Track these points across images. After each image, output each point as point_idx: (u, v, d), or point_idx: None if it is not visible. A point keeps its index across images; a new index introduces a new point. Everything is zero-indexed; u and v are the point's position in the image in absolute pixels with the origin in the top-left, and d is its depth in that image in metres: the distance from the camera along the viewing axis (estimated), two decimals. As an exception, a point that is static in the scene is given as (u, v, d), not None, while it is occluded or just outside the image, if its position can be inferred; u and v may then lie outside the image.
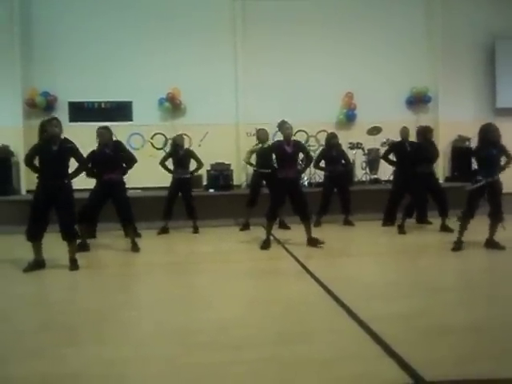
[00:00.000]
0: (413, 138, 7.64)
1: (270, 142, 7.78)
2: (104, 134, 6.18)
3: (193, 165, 7.71)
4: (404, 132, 7.64)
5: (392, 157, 7.87)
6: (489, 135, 5.60)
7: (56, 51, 10.25)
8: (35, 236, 4.99)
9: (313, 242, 6.06)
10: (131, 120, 10.50)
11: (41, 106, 10.07)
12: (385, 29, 10.87)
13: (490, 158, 5.57)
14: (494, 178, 5.59)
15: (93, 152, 6.24)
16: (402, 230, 7.01)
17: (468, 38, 11.16)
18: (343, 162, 8.18)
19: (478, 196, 5.65)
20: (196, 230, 7.60)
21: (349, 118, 10.82)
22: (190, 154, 7.73)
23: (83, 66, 10.25)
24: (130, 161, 6.36)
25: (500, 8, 11.07)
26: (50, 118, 5.22)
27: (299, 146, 6.27)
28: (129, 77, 10.30)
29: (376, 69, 10.78)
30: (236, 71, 10.66)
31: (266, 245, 6.06)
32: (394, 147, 7.87)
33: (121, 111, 10.44)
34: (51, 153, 4.99)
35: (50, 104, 10.17)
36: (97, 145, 6.27)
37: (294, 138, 6.41)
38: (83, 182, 6.19)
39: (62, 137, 5.14)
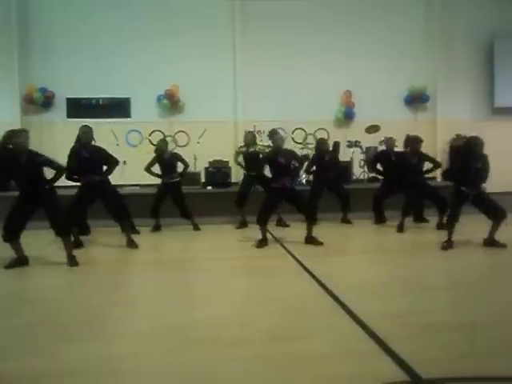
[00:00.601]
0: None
1: (258, 145, 7.81)
2: (86, 133, 6.02)
3: (180, 167, 7.68)
4: (388, 143, 7.88)
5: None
6: (476, 149, 5.59)
7: (54, 47, 10.21)
8: (11, 238, 4.97)
9: (311, 241, 6.06)
10: (129, 117, 10.47)
11: (38, 102, 10.03)
12: (383, 27, 10.86)
13: (475, 172, 5.62)
14: (479, 191, 5.70)
15: (73, 149, 6.06)
16: (400, 229, 7.02)
17: (467, 37, 11.16)
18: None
19: (462, 203, 5.73)
20: (197, 228, 7.60)
21: (347, 116, 10.81)
22: (176, 157, 7.67)
23: (81, 63, 10.21)
24: (112, 164, 6.18)
25: (499, 7, 11.07)
26: (16, 130, 5.10)
27: (291, 155, 6.26)
28: (127, 73, 10.27)
29: (374, 67, 10.77)
30: (235, 68, 10.64)
31: (261, 244, 6.04)
32: (378, 157, 8.04)
33: (119, 108, 10.41)
34: (19, 165, 4.89)
35: (47, 100, 10.14)
36: (76, 142, 6.09)
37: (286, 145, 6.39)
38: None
39: (29, 148, 5.02)
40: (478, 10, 11.03)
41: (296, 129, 10.62)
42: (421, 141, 7.28)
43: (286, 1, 10.59)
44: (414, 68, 10.94)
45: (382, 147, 8.15)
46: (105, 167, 6.18)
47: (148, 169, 7.51)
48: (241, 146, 8.10)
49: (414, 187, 7.17)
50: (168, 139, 10.29)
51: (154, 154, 7.59)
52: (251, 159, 7.58)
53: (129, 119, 10.43)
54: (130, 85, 10.28)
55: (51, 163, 5.13)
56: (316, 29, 10.66)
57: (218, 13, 10.56)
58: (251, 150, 7.69)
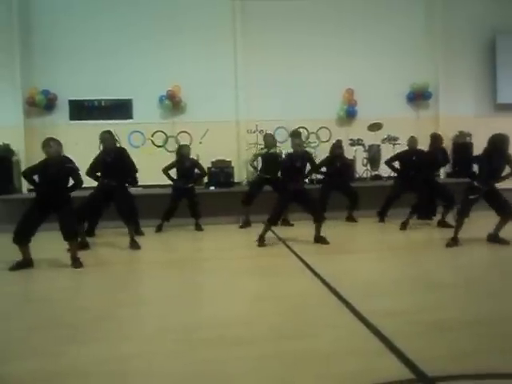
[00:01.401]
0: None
1: (277, 148, 7.85)
2: (107, 139, 6.20)
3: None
4: (411, 142, 7.67)
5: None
6: (498, 145, 5.56)
7: (56, 49, 10.22)
8: (21, 241, 5.01)
9: (319, 240, 6.08)
10: (131, 118, 10.49)
11: (41, 105, 10.06)
12: (385, 25, 10.83)
13: (497, 169, 5.61)
14: (491, 186, 5.67)
15: (96, 159, 6.26)
16: (404, 227, 7.02)
17: (468, 34, 11.11)
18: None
19: (475, 201, 5.71)
20: (199, 228, 7.64)
21: (349, 114, 10.79)
22: (196, 165, 7.80)
23: (83, 64, 10.23)
24: (130, 171, 6.45)
25: (500, 3, 11.02)
26: (47, 139, 5.23)
27: (307, 158, 6.38)
28: (129, 75, 10.28)
29: (376, 65, 10.74)
30: (236, 68, 10.64)
31: (260, 241, 6.05)
32: (399, 156, 7.85)
33: (121, 109, 10.42)
34: (50, 175, 5.05)
35: (50, 102, 10.16)
36: (100, 149, 6.29)
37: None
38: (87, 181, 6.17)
39: (62, 155, 5.21)
40: (479, 7, 10.98)
41: (298, 127, 10.60)
42: (442, 138, 7.51)
43: (287, 3, 10.57)
44: (416, 65, 10.90)
45: (388, 153, 8.12)
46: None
47: (166, 171, 7.59)
48: (261, 148, 8.15)
49: (426, 183, 7.14)
50: (171, 139, 10.39)
51: (176, 157, 7.69)
52: (270, 161, 7.61)
53: (131, 120, 10.45)
54: (131, 86, 10.29)
55: (76, 175, 5.25)
56: (317, 27, 10.64)
57: (218, 13, 10.55)
58: (272, 151, 7.75)
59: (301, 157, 6.22)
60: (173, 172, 7.74)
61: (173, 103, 10.33)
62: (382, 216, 7.87)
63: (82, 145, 6.36)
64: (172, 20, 10.39)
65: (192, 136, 10.29)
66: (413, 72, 10.83)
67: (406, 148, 7.75)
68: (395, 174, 8.02)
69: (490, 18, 10.98)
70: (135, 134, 10.35)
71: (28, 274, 4.97)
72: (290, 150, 6.49)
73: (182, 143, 8.84)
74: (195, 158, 8.49)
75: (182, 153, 7.72)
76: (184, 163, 7.61)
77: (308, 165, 6.39)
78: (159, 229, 7.57)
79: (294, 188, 6.10)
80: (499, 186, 5.82)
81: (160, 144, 10.43)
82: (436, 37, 11.00)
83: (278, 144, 8.44)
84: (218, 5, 10.55)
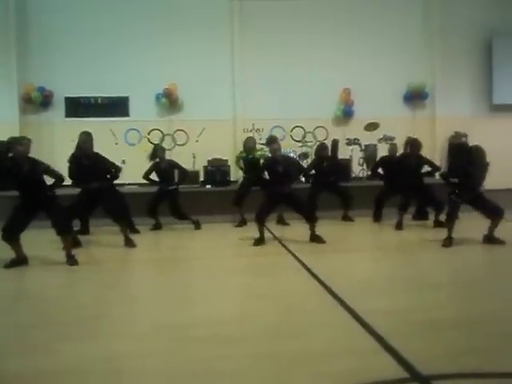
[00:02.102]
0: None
1: (258, 151, 7.84)
2: (86, 142, 6.05)
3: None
4: (392, 149, 8.06)
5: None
6: (478, 157, 5.62)
7: (52, 46, 10.17)
8: (11, 237, 4.97)
9: (315, 239, 6.07)
10: (128, 115, 10.44)
11: (37, 102, 10.01)
12: (382, 25, 10.84)
13: (475, 178, 5.67)
14: (476, 193, 5.72)
15: (73, 156, 6.16)
16: (399, 227, 7.04)
17: (465, 34, 11.13)
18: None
19: (460, 205, 5.78)
20: (198, 226, 7.60)
21: (346, 113, 10.80)
22: (173, 165, 7.67)
23: (80, 61, 10.18)
24: (116, 171, 6.24)
25: (497, 4, 11.04)
26: (18, 137, 5.17)
27: (290, 163, 6.34)
28: (125, 72, 10.23)
29: (373, 65, 10.75)
30: (233, 67, 10.62)
31: (258, 242, 6.04)
32: (381, 162, 8.20)
33: (117, 107, 10.38)
34: (22, 173, 4.95)
35: (46, 99, 10.11)
36: (76, 149, 6.17)
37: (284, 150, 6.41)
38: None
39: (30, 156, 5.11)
40: (476, 8, 11.00)
41: (295, 127, 10.61)
42: (420, 145, 7.31)
43: (284, 1, 10.55)
44: (413, 65, 10.91)
45: (385, 153, 8.23)
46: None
47: (146, 177, 7.53)
48: (241, 152, 8.15)
49: (413, 189, 7.19)
50: (167, 137, 10.36)
51: (150, 160, 7.55)
52: (251, 165, 7.61)
53: (127, 118, 10.41)
54: (128, 83, 10.25)
55: (52, 172, 5.19)
56: (315, 27, 10.64)
57: (216, 11, 10.52)
58: (251, 156, 7.76)
59: (283, 162, 6.14)
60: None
61: (169, 101, 10.30)
62: (376, 217, 7.90)
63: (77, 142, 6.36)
64: (169, 18, 10.35)
65: (188, 134, 10.28)
66: (410, 72, 10.84)
67: (387, 154, 8.10)
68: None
69: (486, 19, 11.01)
70: (131, 131, 10.32)
71: (22, 272, 4.94)
72: (286, 151, 6.45)
73: (155, 144, 8.51)
74: (192, 156, 8.49)
75: (156, 154, 7.53)
76: (160, 165, 7.51)
77: (294, 169, 6.37)
78: (156, 227, 7.55)
79: (280, 191, 6.07)
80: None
81: (156, 142, 10.39)
82: (433, 37, 11.02)
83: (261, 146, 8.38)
84: (215, 3, 10.52)
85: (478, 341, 2.88)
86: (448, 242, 5.72)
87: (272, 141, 6.22)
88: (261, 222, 6.07)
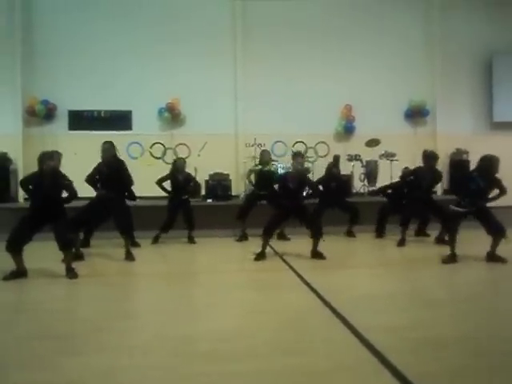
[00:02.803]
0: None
1: (272, 165, 7.87)
2: (107, 150, 6.22)
3: None
4: (405, 173, 7.85)
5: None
6: (484, 167, 5.62)
7: (57, 60, 10.29)
8: (14, 248, 4.97)
9: (316, 255, 6.04)
10: (130, 129, 10.52)
11: (40, 115, 10.09)
12: (383, 43, 10.98)
13: (476, 189, 5.62)
14: (478, 206, 5.66)
15: (95, 169, 6.30)
16: (401, 243, 7.01)
17: (465, 53, 11.27)
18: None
19: (461, 217, 5.73)
20: (192, 241, 7.61)
21: (347, 129, 10.86)
22: (190, 178, 7.81)
23: (83, 75, 10.29)
24: (129, 184, 6.46)
25: (497, 23, 11.19)
26: (52, 152, 5.33)
27: (304, 181, 6.31)
28: (129, 86, 10.34)
29: (374, 82, 10.86)
30: (235, 82, 10.72)
31: (259, 257, 6.02)
32: (393, 187, 8.08)
33: (120, 120, 10.46)
34: (42, 185, 5.04)
35: (49, 112, 10.19)
36: (100, 159, 6.30)
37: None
38: (85, 191, 6.18)
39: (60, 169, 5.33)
40: (477, 27, 11.16)
41: (296, 142, 10.65)
42: (437, 157, 7.28)
43: (287, 15, 10.71)
44: (414, 83, 11.02)
45: (386, 169, 8.25)
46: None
47: (160, 183, 7.61)
48: (256, 165, 8.18)
49: (419, 202, 7.15)
50: (169, 151, 10.41)
51: (170, 170, 7.73)
52: (265, 178, 7.63)
53: (130, 131, 10.48)
54: (131, 98, 10.35)
55: (71, 189, 5.27)
56: (316, 45, 10.76)
57: (219, 27, 10.67)
58: (266, 169, 7.78)
59: (297, 179, 6.14)
60: (167, 184, 7.74)
61: (172, 115, 10.38)
62: (379, 232, 7.87)
63: (80, 155, 6.38)
64: (172, 33, 10.49)
65: (190, 148, 10.33)
66: (411, 89, 10.95)
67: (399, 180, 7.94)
68: (389, 190, 8.17)
69: (486, 38, 11.15)
70: (134, 145, 10.37)
71: (22, 284, 4.92)
72: (286, 166, 6.46)
73: (178, 156, 8.82)
74: (193, 170, 8.53)
75: (177, 166, 7.72)
76: (178, 177, 7.62)
77: (306, 187, 6.38)
78: (156, 240, 7.54)
79: (290, 205, 6.07)
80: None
81: (158, 156, 10.45)
82: (434, 55, 11.14)
83: (274, 159, 8.48)
84: (218, 18, 10.68)
85: (478, 359, 2.85)
86: (449, 258, 5.67)
87: (297, 155, 6.26)
88: (268, 235, 6.08)
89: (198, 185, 7.92)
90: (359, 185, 10.18)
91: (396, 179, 8.33)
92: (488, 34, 11.15)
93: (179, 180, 7.62)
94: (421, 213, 7.41)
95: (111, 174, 6.18)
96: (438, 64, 11.11)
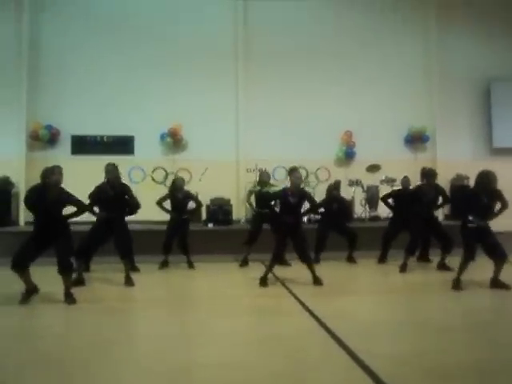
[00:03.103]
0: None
1: (271, 186, 7.88)
2: (111, 172, 6.26)
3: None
4: (404, 182, 7.89)
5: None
6: (485, 183, 5.63)
7: (61, 86, 10.48)
8: (19, 263, 4.93)
9: (318, 282, 5.98)
10: (133, 154, 10.61)
11: (44, 139, 10.20)
12: (383, 70, 11.19)
13: (482, 206, 5.62)
14: (486, 223, 5.65)
15: (98, 187, 6.29)
16: (403, 269, 6.95)
17: (464, 80, 11.46)
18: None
19: (475, 237, 5.64)
20: (191, 265, 7.54)
21: (348, 155, 10.95)
22: (189, 196, 7.78)
23: (87, 101, 10.46)
24: (134, 207, 6.43)
25: (494, 51, 11.44)
26: (53, 167, 5.26)
27: (304, 196, 6.28)
28: (131, 112, 10.49)
29: (374, 108, 11.01)
30: (237, 108, 10.87)
31: (264, 282, 5.97)
32: (394, 194, 8.06)
33: (122, 145, 10.56)
34: (46, 200, 5.00)
35: (53, 137, 10.31)
36: (103, 180, 6.32)
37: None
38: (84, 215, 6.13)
39: (62, 184, 5.19)
40: (474, 54, 11.39)
41: (297, 167, 10.69)
42: (435, 174, 7.39)
43: (287, 42, 10.94)
44: (414, 109, 11.17)
45: (398, 187, 8.23)
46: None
47: (160, 203, 7.58)
48: (254, 186, 8.19)
49: (423, 222, 7.14)
50: (171, 176, 10.43)
51: (169, 189, 7.73)
52: (264, 199, 7.61)
53: (132, 156, 10.56)
54: (134, 123, 10.48)
55: (78, 202, 5.25)
56: (317, 72, 10.96)
57: (221, 54, 10.88)
58: (265, 190, 7.78)
59: (298, 194, 6.14)
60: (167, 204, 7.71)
61: (174, 141, 10.48)
62: (381, 258, 7.81)
63: (82, 179, 6.40)
64: (174, 59, 10.72)
65: (192, 173, 10.38)
66: (410, 116, 11.09)
67: (400, 187, 7.94)
68: (390, 214, 8.10)
69: (484, 65, 11.37)
70: (136, 169, 10.43)
71: (19, 309, 4.85)
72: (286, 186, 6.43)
73: (176, 176, 8.78)
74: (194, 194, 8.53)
75: (176, 185, 7.71)
76: (177, 195, 7.61)
77: (306, 203, 6.38)
78: (164, 265, 7.50)
79: (288, 222, 6.03)
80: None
81: (160, 180, 10.49)
82: (432, 82, 11.33)
83: (275, 183, 8.48)
84: (220, 46, 10.91)
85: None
86: (457, 284, 5.60)
87: (293, 170, 6.27)
88: (277, 260, 6.08)
89: (198, 202, 7.83)
90: (360, 210, 10.19)
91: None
92: (485, 61, 11.38)
93: (179, 198, 7.59)
94: (423, 235, 7.34)
95: (115, 195, 6.17)
96: (436, 91, 11.30)
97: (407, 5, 11.52)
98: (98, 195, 6.23)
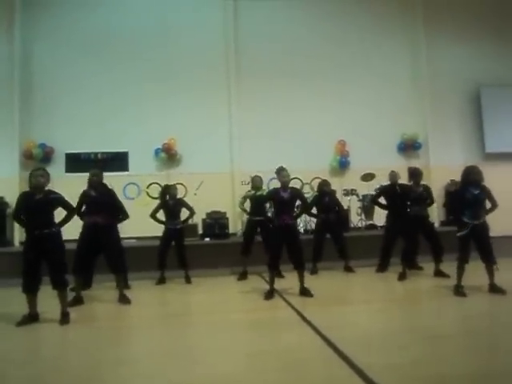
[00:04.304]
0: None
1: (264, 190, 7.88)
2: (96, 175, 6.17)
3: (184, 214, 7.67)
4: (392, 176, 7.76)
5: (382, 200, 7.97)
6: (471, 177, 5.68)
7: (54, 104, 10.50)
8: (31, 289, 4.91)
9: (305, 293, 5.95)
10: (127, 170, 10.60)
11: (38, 158, 10.17)
12: (374, 79, 11.30)
13: (473, 199, 5.61)
14: (480, 221, 5.63)
15: (81, 195, 6.20)
16: (402, 277, 6.93)
17: (454, 86, 11.59)
18: (337, 208, 8.25)
19: (469, 239, 5.64)
20: (188, 280, 7.48)
21: (342, 164, 10.99)
22: (181, 203, 7.71)
23: (80, 119, 10.48)
24: (123, 214, 6.38)
25: (483, 56, 11.59)
26: (36, 169, 5.20)
27: (296, 193, 6.28)
28: (125, 128, 10.50)
29: (367, 117, 11.10)
30: (230, 121, 10.92)
31: (269, 296, 5.92)
32: (383, 191, 7.96)
33: (117, 161, 10.55)
34: (34, 202, 4.93)
35: (46, 156, 10.29)
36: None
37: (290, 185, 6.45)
38: (75, 231, 6.08)
39: (50, 187, 5.13)
40: (464, 60, 11.55)
41: (292, 178, 10.68)
42: (421, 173, 7.54)
43: (279, 55, 11.05)
44: (406, 117, 11.28)
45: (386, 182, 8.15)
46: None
47: (153, 215, 7.52)
48: (248, 191, 8.18)
49: (417, 223, 7.17)
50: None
51: (160, 197, 7.68)
52: (258, 203, 7.59)
53: (127, 172, 10.55)
54: (128, 139, 10.49)
55: (65, 202, 5.18)
56: (309, 83, 11.05)
57: (214, 70, 10.96)
58: (259, 193, 7.76)
59: (290, 191, 6.10)
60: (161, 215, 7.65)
61: (168, 156, 10.49)
62: (382, 268, 7.75)
63: (77, 197, 6.38)
64: (168, 75, 10.78)
65: (187, 187, 10.37)
66: (403, 123, 11.19)
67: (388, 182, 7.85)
68: (384, 224, 8.01)
69: (474, 71, 11.51)
70: (130, 185, 10.42)
71: (15, 331, 4.77)
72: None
73: (167, 184, 8.42)
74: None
75: (167, 192, 7.62)
76: (168, 203, 7.56)
77: (299, 202, 6.35)
78: (161, 281, 7.44)
79: (282, 222, 5.95)
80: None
81: (155, 196, 10.45)
82: (423, 90, 11.46)
83: (265, 187, 8.48)
84: (212, 60, 11.00)
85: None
86: (460, 290, 5.60)
87: (280, 170, 6.29)
88: (273, 266, 6.01)
89: (191, 209, 7.65)
90: (356, 219, 10.19)
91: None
92: (475, 66, 11.54)
93: (170, 205, 7.54)
94: (415, 240, 7.32)
95: (99, 197, 6.04)
96: (427, 97, 11.42)
97: (395, 13, 11.69)
98: (82, 199, 6.11)
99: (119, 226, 6.55)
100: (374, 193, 9.87)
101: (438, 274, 6.99)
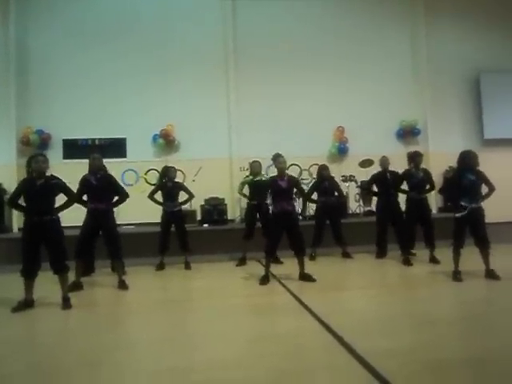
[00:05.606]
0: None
1: (263, 175, 7.86)
2: (96, 160, 6.14)
3: (182, 198, 7.66)
4: (383, 161, 7.81)
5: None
6: (467, 161, 5.69)
7: (51, 90, 10.39)
8: (29, 274, 4.92)
9: (305, 278, 6.00)
10: (125, 156, 10.55)
11: (35, 144, 10.11)
12: (373, 65, 11.20)
13: (470, 184, 5.64)
14: (478, 204, 5.66)
15: (83, 178, 6.16)
16: (408, 263, 7.00)
17: (453, 72, 11.51)
18: (336, 193, 8.27)
19: (465, 224, 5.68)
20: (188, 266, 7.50)
21: (341, 151, 10.96)
22: (180, 187, 7.69)
23: (77, 104, 10.38)
24: (122, 195, 6.23)
25: (483, 42, 11.48)
26: (36, 154, 5.17)
27: (293, 181, 6.28)
28: (123, 114, 10.42)
29: (365, 103, 11.03)
30: (229, 107, 10.84)
31: (264, 280, 5.97)
32: (375, 178, 7.96)
33: (115, 148, 10.48)
34: (35, 188, 4.92)
35: (44, 142, 10.22)
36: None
37: (287, 172, 6.43)
38: (74, 219, 6.07)
39: (49, 173, 5.10)
40: (463, 46, 11.44)
41: (291, 164, 10.69)
42: (421, 155, 7.53)
43: (279, 41, 10.92)
44: (405, 103, 11.21)
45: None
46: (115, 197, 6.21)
47: (151, 196, 7.50)
48: (246, 176, 8.16)
49: (415, 207, 7.20)
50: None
51: (159, 178, 7.64)
52: (257, 188, 7.58)
53: (125, 159, 10.50)
54: (126, 125, 10.42)
55: (66, 188, 5.17)
56: (308, 69, 10.94)
57: (212, 54, 10.85)
58: (257, 178, 7.75)
59: (287, 179, 6.11)
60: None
61: (166, 142, 10.44)
62: (381, 254, 7.79)
63: (75, 183, 6.35)
64: (166, 61, 10.66)
65: (185, 174, 10.34)
66: (401, 110, 11.13)
67: (379, 169, 7.88)
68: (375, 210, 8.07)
69: (473, 57, 11.42)
70: (128, 172, 10.38)
71: (16, 316, 4.80)
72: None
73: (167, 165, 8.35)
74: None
75: (165, 174, 7.58)
76: (166, 185, 7.52)
77: (296, 190, 6.37)
78: (161, 267, 7.45)
79: (280, 209, 5.96)
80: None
81: (153, 182, 10.43)
82: (422, 76, 11.37)
83: (264, 173, 8.47)
84: (211, 46, 10.87)
85: (483, 380, 2.81)
86: (457, 276, 5.66)
87: (277, 156, 6.27)
88: (270, 252, 6.05)
89: (189, 192, 7.63)
90: (355, 205, 10.21)
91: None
92: (474, 52, 11.44)
93: (168, 187, 7.51)
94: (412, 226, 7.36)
95: (99, 184, 6.01)
96: (426, 84, 11.33)
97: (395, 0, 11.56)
98: (82, 185, 6.07)
99: (116, 210, 6.48)
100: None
101: (433, 260, 7.03)
